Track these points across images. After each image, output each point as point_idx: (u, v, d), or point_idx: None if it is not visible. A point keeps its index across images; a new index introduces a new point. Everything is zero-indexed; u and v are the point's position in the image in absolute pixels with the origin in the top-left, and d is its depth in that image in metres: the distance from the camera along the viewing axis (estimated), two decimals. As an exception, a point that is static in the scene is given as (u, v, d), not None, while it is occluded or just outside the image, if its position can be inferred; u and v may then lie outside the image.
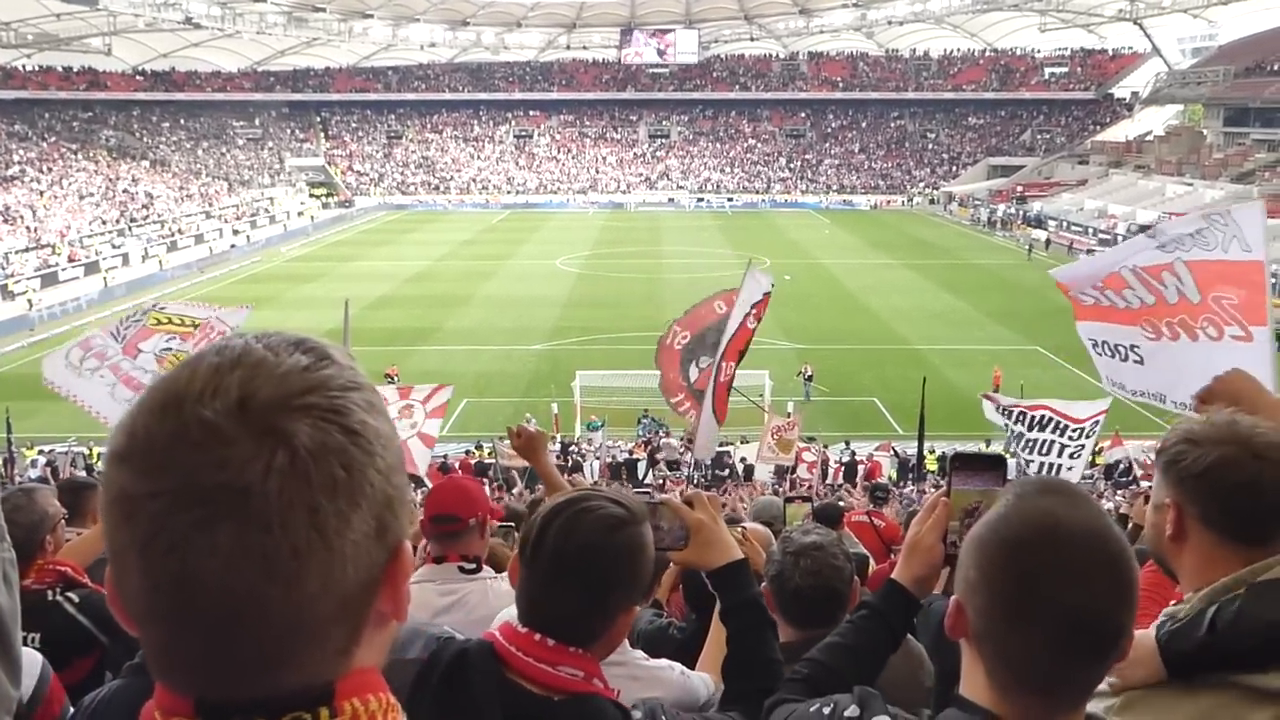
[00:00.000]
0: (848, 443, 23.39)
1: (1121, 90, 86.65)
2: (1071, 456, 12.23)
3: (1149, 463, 18.62)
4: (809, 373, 27.48)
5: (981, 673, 1.30)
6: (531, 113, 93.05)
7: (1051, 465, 12.36)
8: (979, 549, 1.29)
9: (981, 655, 1.29)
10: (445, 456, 21.32)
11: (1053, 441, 12.30)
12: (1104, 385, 7.44)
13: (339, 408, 0.78)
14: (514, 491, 17.12)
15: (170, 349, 9.86)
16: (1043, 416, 12.36)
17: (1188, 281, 6.92)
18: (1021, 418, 12.51)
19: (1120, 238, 51.69)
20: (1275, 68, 63.23)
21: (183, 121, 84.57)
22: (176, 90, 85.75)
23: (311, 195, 79.17)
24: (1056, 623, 1.21)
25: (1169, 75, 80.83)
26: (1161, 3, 79.02)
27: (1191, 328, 6.82)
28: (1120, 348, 7.07)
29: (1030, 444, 12.60)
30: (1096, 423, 12.19)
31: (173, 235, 57.43)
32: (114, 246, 52.43)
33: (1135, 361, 7.00)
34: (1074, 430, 12.27)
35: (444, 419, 16.33)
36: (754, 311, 10.43)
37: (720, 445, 24.24)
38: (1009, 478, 1.77)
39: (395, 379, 26.42)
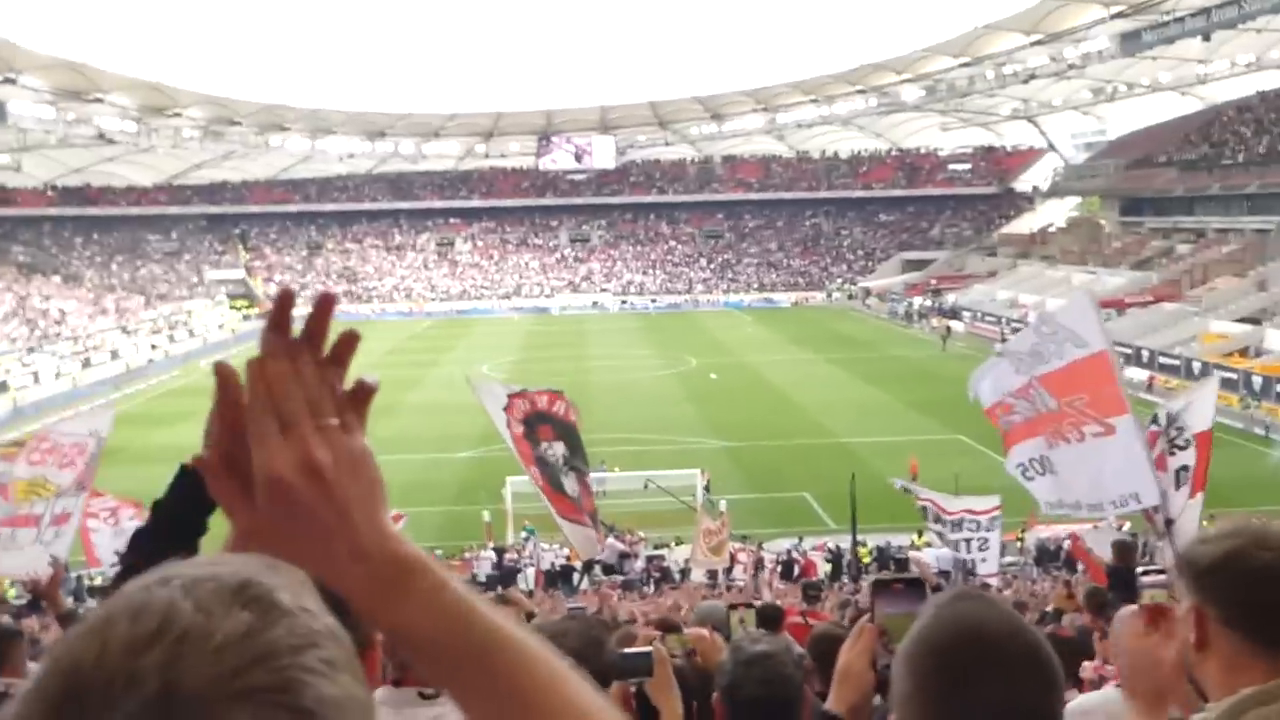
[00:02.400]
0: (801, 538, 23.45)
1: (1023, 184, 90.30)
2: (980, 549, 12.92)
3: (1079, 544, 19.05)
4: (705, 481, 27.17)
5: None
6: (452, 220, 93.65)
7: (968, 561, 13.09)
8: (908, 661, 1.36)
9: None
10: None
11: (967, 540, 13.06)
12: (1045, 509, 7.76)
13: (289, 683, 0.63)
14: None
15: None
16: (958, 520, 13.17)
17: (1044, 395, 7.32)
18: (937, 519, 13.33)
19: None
20: (1162, 159, 66.62)
21: (96, 236, 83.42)
22: (90, 205, 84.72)
23: (232, 308, 78.21)
24: (989, 717, 1.27)
25: (1065, 169, 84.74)
26: (1052, 101, 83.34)
27: (1062, 434, 7.17)
28: (1035, 462, 7.42)
29: (950, 542, 13.41)
30: (994, 518, 12.93)
31: (86, 352, 56.12)
32: (24, 364, 51.02)
33: (1051, 474, 7.35)
34: (971, 522, 13.04)
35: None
36: (510, 419, 11.54)
37: (655, 548, 24.24)
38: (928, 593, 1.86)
39: None
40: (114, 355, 56.91)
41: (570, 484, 11.79)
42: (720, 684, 2.71)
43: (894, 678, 1.39)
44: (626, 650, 2.91)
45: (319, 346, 0.86)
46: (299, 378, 0.86)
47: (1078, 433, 7.26)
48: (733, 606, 6.64)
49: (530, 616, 6.62)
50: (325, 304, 0.85)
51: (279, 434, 0.85)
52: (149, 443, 35.88)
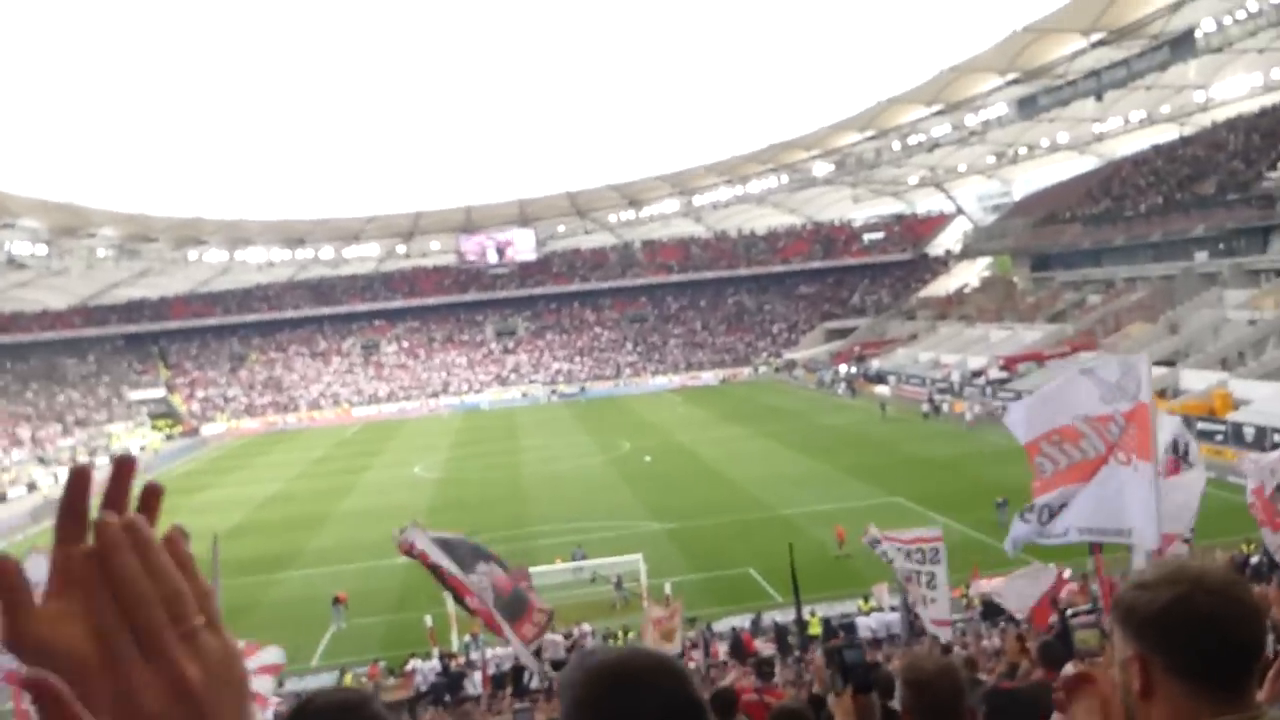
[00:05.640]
0: (757, 615, 23.30)
1: (936, 249, 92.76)
2: (929, 586, 13.15)
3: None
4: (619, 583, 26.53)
5: None
6: (376, 322, 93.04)
7: (923, 598, 13.24)
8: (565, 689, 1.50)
9: None
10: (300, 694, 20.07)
11: (917, 572, 13.33)
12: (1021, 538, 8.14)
13: None
14: None
15: None
16: (911, 549, 13.48)
17: (1094, 438, 7.75)
18: (896, 551, 13.56)
19: (955, 385, 54.27)
20: (1067, 216, 68.95)
21: (9, 365, 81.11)
22: (0, 333, 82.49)
23: (153, 428, 76.28)
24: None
25: (975, 231, 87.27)
26: (958, 168, 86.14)
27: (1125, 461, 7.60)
28: (1045, 508, 7.86)
29: (905, 574, 13.61)
30: (937, 549, 13.24)
31: (0, 487, 54.13)
32: (-64, 504, 49.05)
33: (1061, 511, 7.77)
34: (917, 553, 13.33)
35: (277, 677, 15.77)
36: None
37: (605, 639, 23.77)
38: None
39: (344, 604, 26.38)
40: (31, 487, 55.02)
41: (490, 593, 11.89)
42: None
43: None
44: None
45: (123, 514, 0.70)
46: (155, 571, 0.65)
47: (1113, 459, 7.78)
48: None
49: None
50: (126, 467, 0.70)
51: (139, 656, 0.63)
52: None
